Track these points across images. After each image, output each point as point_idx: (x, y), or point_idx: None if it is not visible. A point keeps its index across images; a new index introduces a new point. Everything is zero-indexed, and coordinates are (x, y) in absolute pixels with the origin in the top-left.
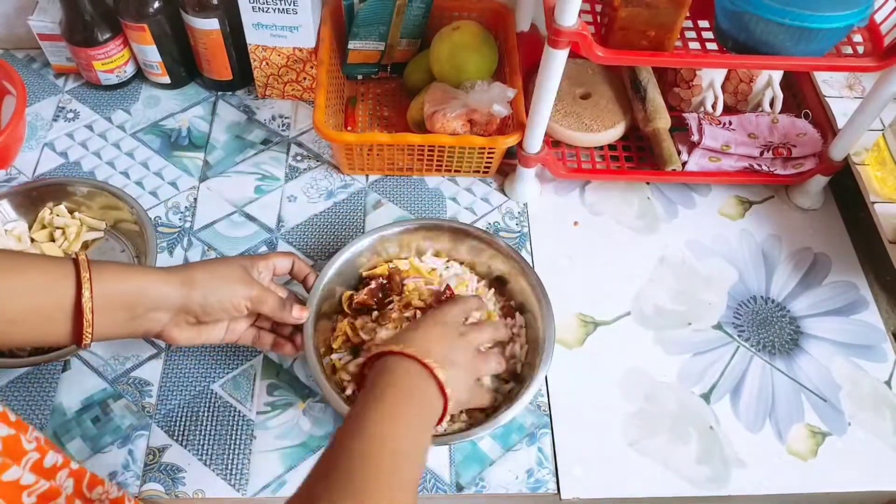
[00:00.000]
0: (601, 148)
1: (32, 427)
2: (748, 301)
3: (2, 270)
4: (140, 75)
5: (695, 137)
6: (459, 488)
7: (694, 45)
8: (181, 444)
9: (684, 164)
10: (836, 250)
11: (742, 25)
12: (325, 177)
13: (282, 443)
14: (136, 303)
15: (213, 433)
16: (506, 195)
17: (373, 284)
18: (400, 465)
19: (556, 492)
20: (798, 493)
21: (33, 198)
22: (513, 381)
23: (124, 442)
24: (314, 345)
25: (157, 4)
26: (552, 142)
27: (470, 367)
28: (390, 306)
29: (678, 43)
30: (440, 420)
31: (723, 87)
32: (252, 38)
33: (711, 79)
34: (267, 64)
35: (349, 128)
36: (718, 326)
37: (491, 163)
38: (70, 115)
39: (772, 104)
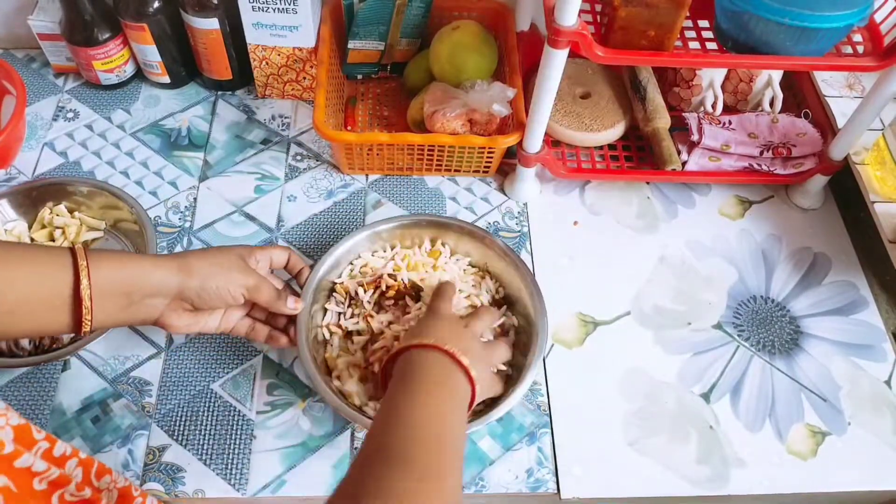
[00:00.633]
0: (601, 148)
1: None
2: (748, 301)
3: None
4: (140, 75)
5: (695, 137)
6: None
7: (694, 45)
8: (181, 444)
9: (684, 163)
10: (835, 250)
11: (742, 25)
12: (324, 176)
13: (282, 442)
14: (133, 290)
15: (212, 433)
16: (506, 195)
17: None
18: (446, 449)
19: (555, 491)
20: (798, 492)
21: (33, 197)
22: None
23: (124, 442)
24: (306, 338)
25: (156, 4)
26: (552, 141)
27: (483, 357)
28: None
29: (678, 43)
30: (469, 406)
31: (723, 86)
32: (252, 37)
33: (711, 78)
34: (267, 63)
35: (349, 127)
36: (718, 326)
37: (491, 162)
38: (70, 115)
39: (772, 104)
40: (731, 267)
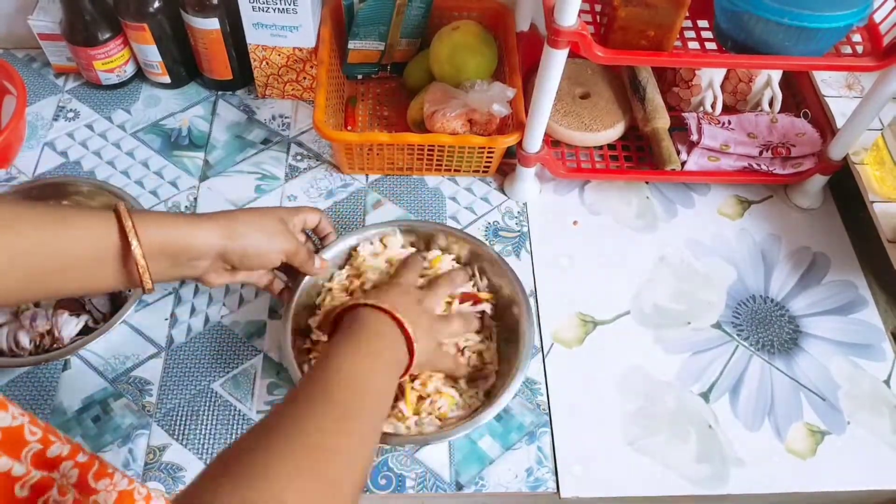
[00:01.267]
0: (600, 147)
1: (36, 417)
2: (747, 300)
3: (47, 222)
4: (140, 75)
5: (694, 137)
6: (459, 487)
7: (693, 45)
8: (181, 444)
9: (683, 163)
10: (834, 249)
11: (741, 25)
12: (325, 176)
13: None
14: (178, 252)
15: (213, 432)
16: (505, 195)
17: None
18: (367, 398)
19: (555, 491)
20: (797, 491)
21: (34, 197)
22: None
23: (124, 441)
24: (290, 328)
25: (157, 4)
26: (552, 141)
27: (431, 329)
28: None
29: (677, 43)
30: (405, 371)
31: (722, 86)
32: (252, 37)
33: (710, 78)
34: (267, 64)
35: (349, 127)
36: (717, 325)
37: (491, 162)
38: (70, 115)
39: (771, 104)
40: (731, 266)
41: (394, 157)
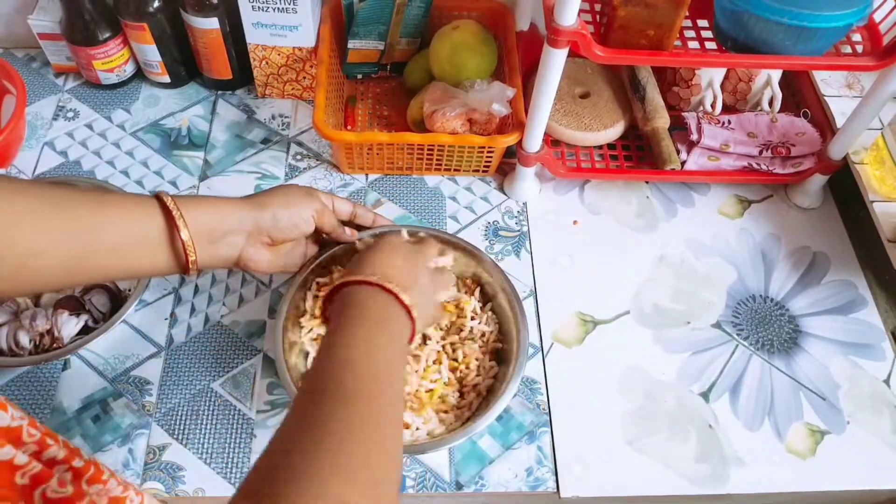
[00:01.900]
0: (600, 147)
1: (36, 420)
2: (747, 300)
3: (97, 204)
4: (140, 74)
5: (694, 136)
6: (459, 487)
7: (693, 45)
8: (181, 443)
9: (683, 163)
10: (834, 249)
11: (741, 25)
12: (324, 176)
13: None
14: (214, 228)
15: (213, 432)
16: (505, 194)
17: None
18: (385, 388)
19: (555, 490)
20: (796, 491)
21: None
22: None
23: (124, 441)
24: (283, 323)
25: (156, 4)
26: (551, 141)
27: (429, 286)
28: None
29: (677, 42)
30: (410, 340)
31: (722, 86)
32: (252, 37)
33: (710, 78)
34: (267, 63)
35: (349, 127)
36: (717, 325)
37: (490, 162)
38: (70, 115)
39: (771, 103)
40: (731, 266)
41: (393, 156)
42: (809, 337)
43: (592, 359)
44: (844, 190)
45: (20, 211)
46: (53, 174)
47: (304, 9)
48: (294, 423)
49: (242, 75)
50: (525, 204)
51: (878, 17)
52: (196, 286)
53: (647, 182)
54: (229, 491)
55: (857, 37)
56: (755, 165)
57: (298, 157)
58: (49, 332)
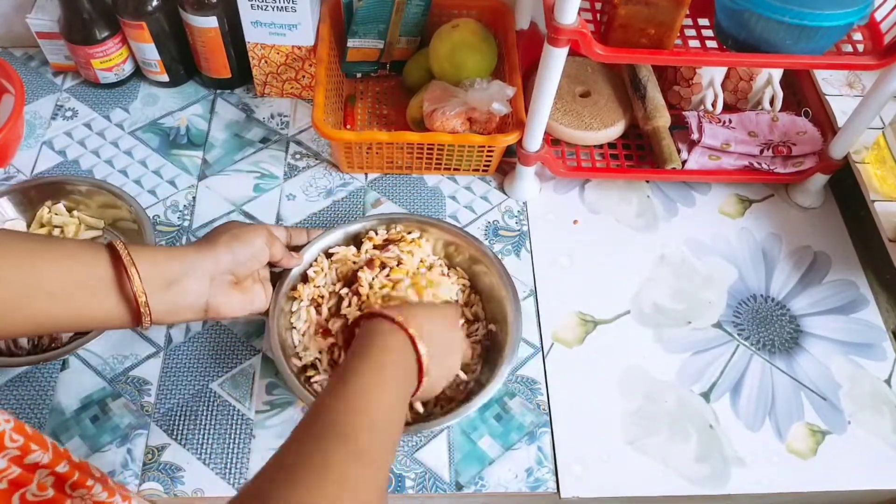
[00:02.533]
0: (601, 146)
1: (25, 425)
2: (748, 300)
3: (41, 247)
4: (138, 73)
5: (695, 136)
6: (459, 487)
7: (694, 44)
8: (180, 444)
9: (684, 162)
10: (835, 249)
11: (742, 23)
12: (324, 175)
13: (281, 442)
14: (168, 269)
15: (212, 432)
16: (505, 193)
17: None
18: (386, 434)
19: (555, 491)
20: (797, 491)
21: (32, 196)
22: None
23: (123, 441)
24: (277, 326)
25: (155, 2)
26: (552, 140)
27: (454, 367)
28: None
29: (678, 41)
30: (415, 392)
31: (723, 85)
32: (251, 36)
33: (711, 77)
34: (266, 62)
35: (348, 126)
36: (718, 325)
37: (490, 161)
38: (68, 114)
39: (772, 102)
40: (731, 266)
41: (393, 155)
42: (810, 337)
43: (593, 359)
44: (845, 189)
45: None
46: (52, 173)
47: (303, 7)
48: (297, 450)
49: (241, 74)
50: (525, 203)
51: (879, 15)
52: None
53: (647, 181)
54: (228, 491)
55: (858, 36)
56: (756, 165)
57: (297, 156)
58: None
